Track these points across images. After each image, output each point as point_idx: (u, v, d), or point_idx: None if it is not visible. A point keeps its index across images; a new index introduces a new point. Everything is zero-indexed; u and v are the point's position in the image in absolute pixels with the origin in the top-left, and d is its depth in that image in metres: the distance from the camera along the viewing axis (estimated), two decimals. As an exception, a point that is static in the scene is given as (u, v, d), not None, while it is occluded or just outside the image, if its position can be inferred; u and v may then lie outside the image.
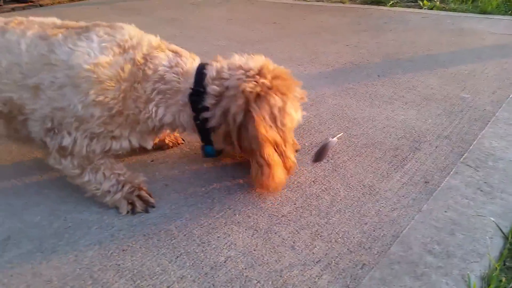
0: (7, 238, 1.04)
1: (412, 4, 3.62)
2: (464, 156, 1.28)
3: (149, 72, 1.09)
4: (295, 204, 1.12)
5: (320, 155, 1.31)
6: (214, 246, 0.98)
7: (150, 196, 1.14)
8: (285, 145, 1.12)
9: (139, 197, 1.13)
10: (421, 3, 3.54)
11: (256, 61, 1.15)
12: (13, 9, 4.17)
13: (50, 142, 1.11)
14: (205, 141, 1.20)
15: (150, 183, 1.21)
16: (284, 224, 1.05)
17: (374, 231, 1.01)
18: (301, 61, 2.21)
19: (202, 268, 0.92)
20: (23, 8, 4.25)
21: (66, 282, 0.90)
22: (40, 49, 1.10)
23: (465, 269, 0.89)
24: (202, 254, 0.96)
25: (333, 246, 0.97)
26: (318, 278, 0.88)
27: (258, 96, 1.08)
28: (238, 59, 1.16)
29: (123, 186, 1.13)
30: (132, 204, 1.11)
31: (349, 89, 1.81)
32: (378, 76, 1.94)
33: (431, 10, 3.33)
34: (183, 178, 1.24)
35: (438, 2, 3.52)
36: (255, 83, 1.08)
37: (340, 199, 1.13)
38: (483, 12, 3.14)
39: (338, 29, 2.83)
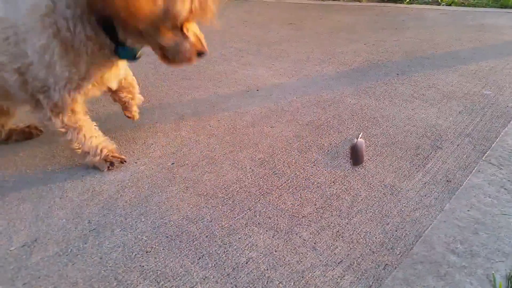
0: (34, 241, 1.06)
1: (430, 0, 3.57)
2: (486, 154, 1.26)
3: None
4: (315, 205, 1.12)
5: (357, 157, 1.29)
6: (235, 247, 0.99)
7: (122, 158, 1.38)
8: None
9: (114, 157, 1.36)
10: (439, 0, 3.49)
11: None
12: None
13: (43, 99, 1.21)
14: (112, 39, 1.13)
15: (170, 186, 1.23)
16: (304, 225, 1.05)
17: (396, 231, 1.00)
18: (319, 61, 2.21)
19: (224, 269, 0.93)
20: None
21: (91, 284, 0.92)
22: None
23: (490, 268, 0.87)
24: (224, 255, 0.97)
25: (355, 246, 0.96)
26: (340, 279, 0.88)
27: None
28: None
29: (101, 151, 1.34)
30: (110, 162, 1.34)
31: (368, 88, 1.80)
32: (397, 74, 1.92)
33: (449, 6, 3.29)
34: (203, 180, 1.25)
35: (457, -2, 3.47)
36: None
37: (361, 200, 1.12)
38: (504, 6, 3.08)
39: (355, 28, 2.82)
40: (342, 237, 0.99)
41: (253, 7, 3.89)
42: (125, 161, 1.38)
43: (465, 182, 1.14)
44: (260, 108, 1.71)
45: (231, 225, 1.06)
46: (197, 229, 1.05)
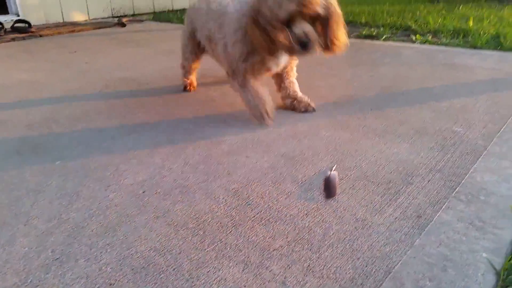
0: (-8, 270, 1.01)
1: (405, 38, 3.71)
2: (456, 190, 1.28)
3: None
4: (287, 237, 1.11)
5: (331, 189, 1.29)
6: (203, 281, 0.96)
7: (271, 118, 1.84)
8: None
9: (261, 116, 1.82)
10: (413, 38, 3.62)
11: None
12: (13, 39, 4.23)
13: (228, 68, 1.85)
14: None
15: (140, 215, 1.21)
16: (275, 258, 1.03)
17: (366, 266, 0.99)
18: (296, 93, 2.24)
19: (191, 304, 0.90)
20: (23, 38, 4.31)
21: (50, 318, 0.88)
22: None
23: (458, 307, 0.87)
24: (191, 289, 0.94)
25: (325, 282, 0.95)
26: (309, 316, 0.86)
27: None
28: None
29: (258, 109, 1.82)
30: (261, 118, 1.82)
31: (342, 121, 1.83)
32: (371, 109, 1.96)
33: (423, 45, 3.41)
34: (174, 210, 1.23)
35: (430, 37, 3.61)
36: None
37: (333, 233, 1.12)
38: (474, 47, 3.22)
39: (332, 63, 2.88)
40: (312, 272, 0.98)
41: (234, 38, 3.93)
42: (268, 124, 1.81)
43: (435, 218, 1.15)
44: (237, 137, 1.71)
45: (200, 258, 1.04)
46: (165, 261, 1.03)
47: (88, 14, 5.58)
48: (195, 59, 2.29)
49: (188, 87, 2.34)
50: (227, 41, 1.77)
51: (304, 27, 1.52)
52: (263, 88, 1.84)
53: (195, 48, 2.22)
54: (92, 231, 1.15)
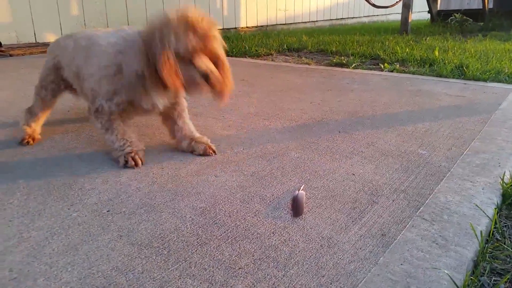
0: None
1: (374, 66, 3.83)
2: (420, 210, 1.31)
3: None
4: (253, 256, 1.10)
5: (298, 208, 1.30)
6: (166, 299, 0.94)
7: (141, 160, 1.66)
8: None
9: (133, 159, 1.63)
10: (382, 66, 3.75)
11: None
12: (-19, 58, 4.14)
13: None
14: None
15: (103, 234, 1.18)
16: (241, 276, 1.02)
17: (331, 284, 0.99)
18: (267, 116, 2.27)
19: (151, 323, 0.87)
20: (-8, 58, 4.23)
21: None
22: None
23: (420, 322, 0.88)
24: (152, 308, 0.91)
25: (289, 299, 0.94)
26: (272, 333, 0.85)
27: None
28: None
29: (125, 148, 1.64)
30: (126, 161, 1.62)
31: (311, 143, 1.86)
32: (339, 132, 2.00)
33: (391, 72, 3.53)
34: (139, 229, 1.21)
35: (398, 66, 3.75)
36: None
37: (299, 251, 1.11)
38: (439, 75, 3.35)
39: (303, 88, 2.94)
40: (277, 290, 0.97)
41: (208, 62, 3.97)
42: (138, 165, 1.64)
43: (399, 237, 1.17)
44: (206, 157, 1.71)
45: (163, 277, 1.01)
46: (126, 281, 1.00)
47: (61, 35, 5.54)
48: (52, 100, 1.97)
49: (27, 139, 1.87)
50: (92, 76, 1.62)
51: (206, 62, 1.47)
52: (131, 130, 1.75)
53: (55, 88, 1.94)
54: (53, 250, 1.11)
